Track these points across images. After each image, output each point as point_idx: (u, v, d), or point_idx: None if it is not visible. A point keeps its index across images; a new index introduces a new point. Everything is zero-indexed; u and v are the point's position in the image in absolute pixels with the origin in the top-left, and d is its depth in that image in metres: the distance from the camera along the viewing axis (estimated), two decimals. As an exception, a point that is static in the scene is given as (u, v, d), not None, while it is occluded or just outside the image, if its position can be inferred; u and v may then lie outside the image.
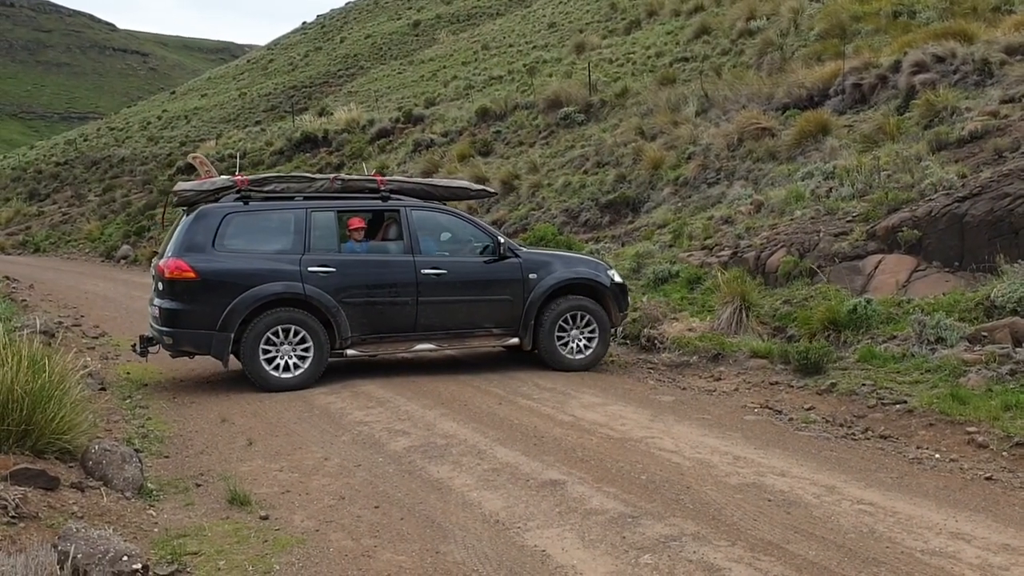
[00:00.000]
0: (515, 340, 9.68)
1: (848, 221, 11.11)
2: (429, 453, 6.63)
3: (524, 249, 10.03)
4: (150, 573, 4.31)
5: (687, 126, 17.86)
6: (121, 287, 20.32)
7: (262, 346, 8.85)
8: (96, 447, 5.81)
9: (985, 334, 8.24)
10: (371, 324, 9.25)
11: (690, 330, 10.35)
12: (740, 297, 10.07)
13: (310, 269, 9.04)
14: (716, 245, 12.41)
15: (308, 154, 31.17)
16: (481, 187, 11.33)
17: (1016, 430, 6.48)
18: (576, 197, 17.69)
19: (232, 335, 8.81)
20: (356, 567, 4.62)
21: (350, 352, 9.23)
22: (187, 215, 9.27)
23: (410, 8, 70.90)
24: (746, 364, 9.35)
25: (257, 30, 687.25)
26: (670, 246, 13.32)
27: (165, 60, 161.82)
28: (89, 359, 9.58)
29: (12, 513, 4.60)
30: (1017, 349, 7.87)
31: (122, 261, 27.80)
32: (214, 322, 8.76)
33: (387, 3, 76.02)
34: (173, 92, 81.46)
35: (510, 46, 43.30)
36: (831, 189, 12.39)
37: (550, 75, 30.26)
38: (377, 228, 10.01)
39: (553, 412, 7.86)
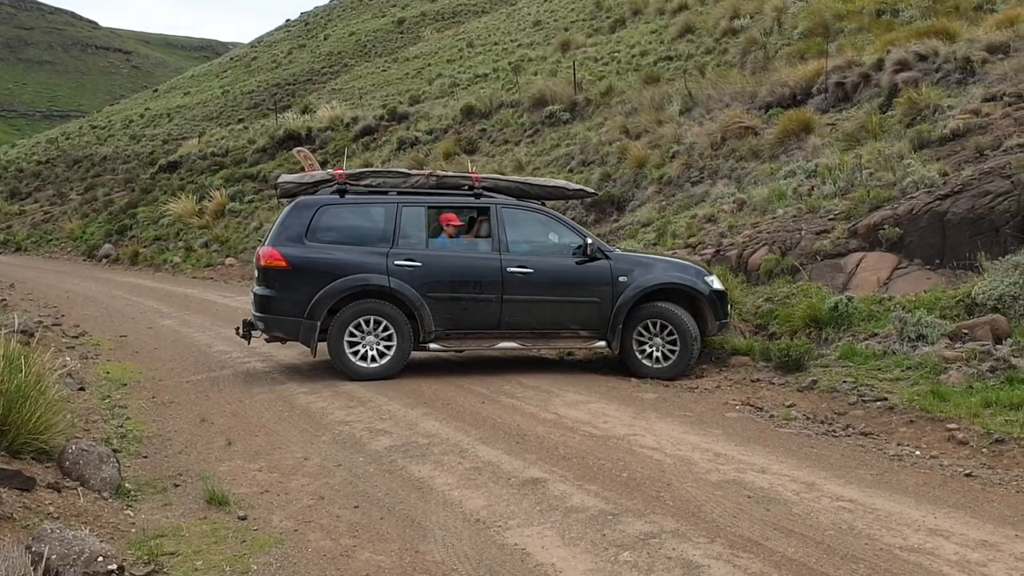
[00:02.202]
0: (602, 343, 9.47)
1: (830, 219, 11.14)
2: (410, 452, 6.60)
3: (617, 251, 9.84)
4: (126, 574, 4.28)
5: (671, 125, 17.87)
6: (103, 286, 20.19)
7: (347, 335, 9.07)
8: (73, 447, 5.76)
9: (966, 331, 8.28)
10: (455, 320, 9.31)
11: (673, 328, 10.34)
12: (723, 295, 10.07)
13: (396, 263, 9.18)
14: (699, 243, 12.41)
15: (290, 151, 31.02)
16: (579, 187, 11.02)
17: (996, 427, 6.51)
18: (560, 195, 17.65)
19: (319, 323, 9.07)
20: (334, 567, 4.59)
21: (433, 346, 9.33)
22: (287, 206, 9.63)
23: (394, 6, 70.76)
24: (728, 361, 9.38)
25: (241, 27, 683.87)
26: (654, 244, 13.33)
27: (148, 58, 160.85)
28: (68, 359, 9.51)
29: (-14, 514, 4.55)
30: (997, 346, 7.91)
31: (104, 260, 27.65)
32: (302, 310, 9.07)
33: (371, 0, 75.83)
34: (156, 90, 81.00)
35: (495, 44, 43.27)
36: (813, 187, 12.42)
37: (535, 73, 30.24)
38: (471, 225, 10.03)
39: (536, 410, 7.85)
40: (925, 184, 10.57)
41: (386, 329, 9.14)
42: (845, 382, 7.95)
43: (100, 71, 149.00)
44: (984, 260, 9.07)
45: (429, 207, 9.59)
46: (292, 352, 10.63)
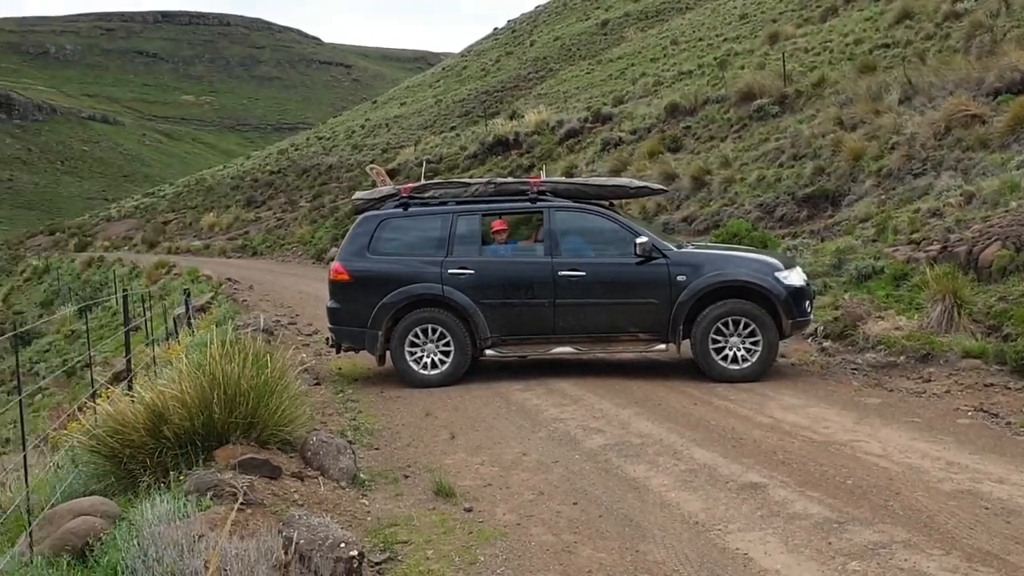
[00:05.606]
0: (663, 346, 9.31)
1: (1074, 211, 10.30)
2: (624, 452, 6.68)
3: (676, 249, 9.42)
4: (365, 560, 4.57)
5: (889, 115, 17.01)
6: (329, 288, 21.40)
7: (407, 344, 9.40)
8: (314, 438, 6.22)
9: None
10: (509, 325, 9.41)
11: (896, 329, 9.88)
12: (951, 294, 9.52)
13: (450, 271, 9.41)
14: (924, 239, 11.78)
15: (500, 156, 31.83)
16: (642, 183, 10.66)
17: None
18: (771, 191, 17.22)
19: (381, 332, 9.45)
20: (558, 562, 4.73)
21: (489, 352, 9.47)
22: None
23: (598, 8, 71.02)
24: (958, 365, 8.83)
25: (451, 38, 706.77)
26: (873, 241, 12.76)
27: (367, 71, 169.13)
28: (304, 356, 10.21)
29: (241, 500, 4.99)
30: None
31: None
32: (365, 320, 9.49)
33: (575, 4, 76.48)
34: (374, 101, 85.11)
35: (700, 40, 42.64)
36: (1054, 177, 11.52)
37: (742, 67, 29.58)
38: (532, 231, 10.17)
39: (751, 414, 7.73)
40: None
41: (444, 339, 9.33)
42: (1094, 388, 7.35)
43: (324, 85, 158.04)
44: None
45: (483, 214, 9.68)
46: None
